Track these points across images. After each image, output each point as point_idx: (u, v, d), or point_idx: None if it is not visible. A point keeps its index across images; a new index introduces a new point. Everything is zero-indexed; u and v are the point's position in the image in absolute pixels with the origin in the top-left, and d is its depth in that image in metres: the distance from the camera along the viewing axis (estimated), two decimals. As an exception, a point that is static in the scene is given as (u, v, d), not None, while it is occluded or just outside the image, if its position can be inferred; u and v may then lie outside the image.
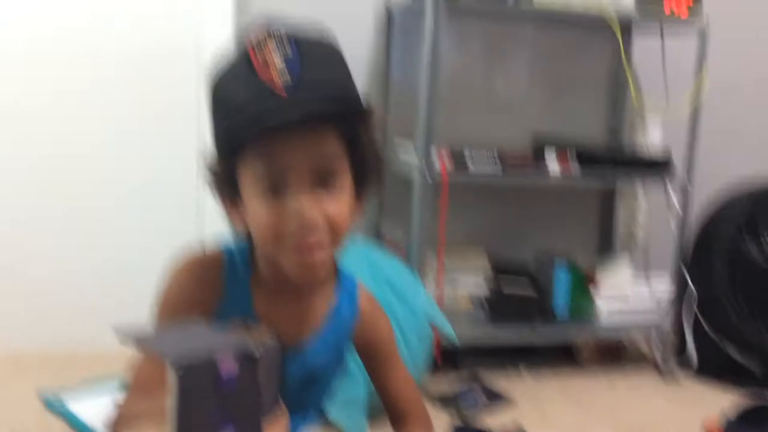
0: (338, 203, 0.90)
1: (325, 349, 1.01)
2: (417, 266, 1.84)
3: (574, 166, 1.98)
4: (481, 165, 1.90)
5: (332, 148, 0.90)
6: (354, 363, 1.58)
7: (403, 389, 1.09)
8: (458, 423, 1.53)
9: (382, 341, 1.07)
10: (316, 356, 1.01)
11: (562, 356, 2.10)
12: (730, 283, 2.03)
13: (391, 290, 1.70)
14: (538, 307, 2.01)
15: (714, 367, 2.07)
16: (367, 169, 0.95)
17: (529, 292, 2.00)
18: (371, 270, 1.73)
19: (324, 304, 1.02)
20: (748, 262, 2.02)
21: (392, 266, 1.78)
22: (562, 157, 1.97)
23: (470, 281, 2.08)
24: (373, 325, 1.06)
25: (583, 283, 2.05)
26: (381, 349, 1.07)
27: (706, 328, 2.10)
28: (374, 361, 1.07)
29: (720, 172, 2.23)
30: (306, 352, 1.00)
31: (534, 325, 1.98)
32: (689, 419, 1.79)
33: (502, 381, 1.92)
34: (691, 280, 2.06)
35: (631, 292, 2.16)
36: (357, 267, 1.70)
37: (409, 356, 1.66)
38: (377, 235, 2.13)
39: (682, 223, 2.04)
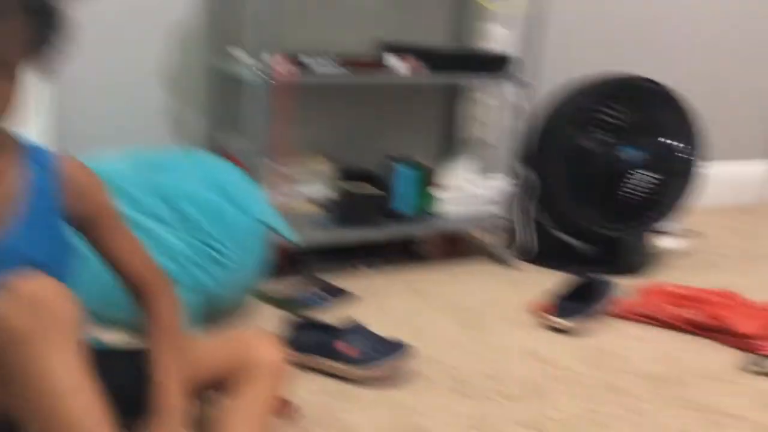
0: (11, 82, 0.89)
1: (35, 234, 0.98)
2: (255, 173, 1.83)
3: (417, 65, 2.00)
4: (320, 66, 1.88)
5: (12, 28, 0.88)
6: (178, 265, 1.58)
7: (135, 258, 1.08)
8: (296, 320, 1.56)
9: (99, 209, 1.05)
10: (25, 242, 0.97)
11: (405, 253, 2.18)
12: (565, 174, 2.15)
13: (225, 198, 1.69)
14: (381, 206, 2.06)
15: (550, 254, 2.21)
16: (49, 34, 0.93)
17: (372, 191, 2.04)
18: (204, 178, 1.70)
19: (12, 183, 0.97)
20: (582, 154, 2.14)
21: (227, 174, 1.76)
22: (405, 58, 1.99)
23: (313, 186, 2.10)
24: (85, 193, 1.03)
25: (425, 180, 2.10)
26: (100, 217, 1.05)
27: (541, 216, 2.23)
28: (96, 231, 1.05)
29: (560, 71, 2.31)
30: (9, 240, 0.95)
31: (377, 223, 2.03)
32: (523, 299, 1.92)
33: (346, 280, 1.98)
34: (530, 173, 2.16)
35: (472, 187, 2.24)
36: (188, 176, 1.70)
37: (248, 262, 1.67)
38: (212, 146, 2.09)
39: (522, 118, 2.12)
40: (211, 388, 1.11)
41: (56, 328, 0.85)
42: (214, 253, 1.61)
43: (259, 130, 1.81)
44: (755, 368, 1.59)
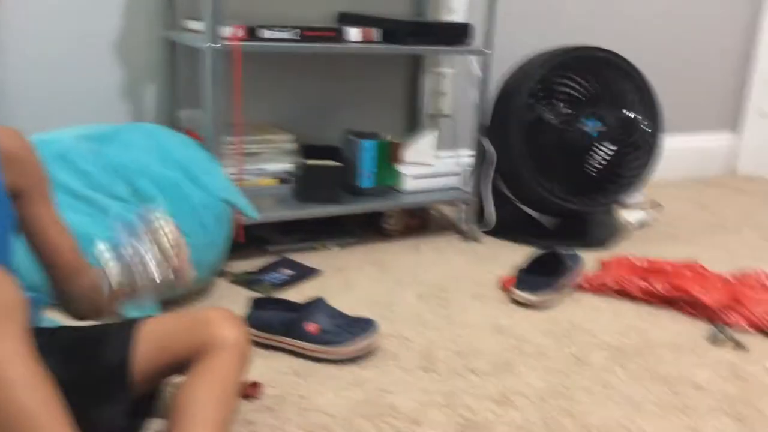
0: None
1: None
2: (213, 147, 1.77)
3: (377, 35, 1.95)
4: (278, 35, 1.82)
5: None
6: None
7: (64, 239, 1.05)
8: (259, 299, 1.52)
9: (34, 181, 1.01)
10: None
11: (370, 228, 2.14)
12: (525, 147, 2.13)
13: (183, 173, 1.63)
14: (344, 181, 2.02)
15: (512, 227, 2.20)
16: None
17: (333, 165, 1.99)
18: (161, 154, 1.64)
19: None
20: (541, 126, 2.12)
21: (184, 149, 1.70)
22: (364, 29, 1.94)
23: (275, 160, 2.04)
24: (21, 163, 0.98)
25: (388, 155, 2.07)
26: (34, 191, 1.01)
27: (504, 190, 2.22)
28: (27, 207, 1.00)
29: (519, 45, 2.28)
30: None
31: (340, 198, 1.99)
32: (488, 273, 1.90)
33: (310, 256, 1.94)
34: (491, 146, 2.14)
35: (435, 161, 2.22)
36: (145, 151, 1.63)
37: (207, 238, 1.62)
38: (170, 121, 2.02)
39: (483, 91, 2.09)
40: (174, 372, 1.06)
41: (3, 315, 0.80)
42: (172, 231, 1.55)
43: (216, 103, 1.74)
44: (720, 338, 1.60)
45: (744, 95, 3.14)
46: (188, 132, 1.97)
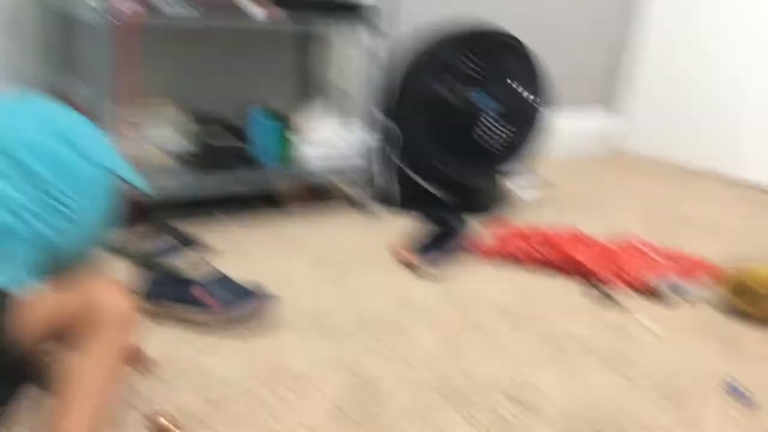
0: None
1: None
2: (104, 122, 1.72)
3: (276, 11, 1.94)
4: (168, 6, 1.78)
5: None
6: (18, 218, 1.46)
7: None
8: (150, 271, 1.49)
9: None
10: None
11: (267, 202, 2.13)
12: (421, 122, 2.17)
13: (66, 145, 1.56)
14: (241, 155, 2.00)
15: (411, 201, 2.24)
16: None
17: (230, 140, 1.97)
18: (41, 125, 1.57)
19: None
20: (439, 103, 2.17)
21: (68, 120, 1.63)
22: (263, 6, 1.92)
23: (165, 134, 1.99)
24: None
25: (284, 130, 2.06)
26: None
27: (402, 164, 2.25)
28: None
29: (416, 22, 2.32)
30: None
31: (237, 173, 1.97)
32: (384, 244, 1.94)
33: (206, 231, 1.91)
34: (388, 121, 2.17)
35: (334, 137, 2.22)
36: (24, 123, 1.56)
37: (95, 213, 1.57)
38: (52, 91, 1.94)
39: (381, 68, 2.11)
40: (54, 339, 1.03)
41: None
42: (57, 204, 1.48)
43: (101, 74, 1.69)
44: (598, 297, 1.70)
45: (629, 76, 3.31)
46: (78, 107, 1.90)
